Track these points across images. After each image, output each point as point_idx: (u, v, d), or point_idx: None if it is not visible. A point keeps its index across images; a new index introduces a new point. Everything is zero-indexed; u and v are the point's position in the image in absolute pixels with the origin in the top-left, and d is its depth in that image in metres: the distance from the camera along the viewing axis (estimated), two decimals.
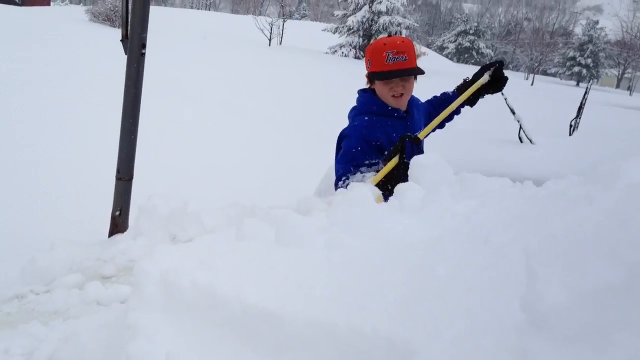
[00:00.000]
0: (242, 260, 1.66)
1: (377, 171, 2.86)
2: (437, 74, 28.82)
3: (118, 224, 4.39)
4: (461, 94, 3.28)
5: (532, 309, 0.95)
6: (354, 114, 3.12)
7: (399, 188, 2.30)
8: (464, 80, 3.44)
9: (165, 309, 1.58)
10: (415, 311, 1.27)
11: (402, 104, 3.04)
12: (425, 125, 3.16)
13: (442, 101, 3.42)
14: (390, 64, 2.87)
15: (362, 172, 2.88)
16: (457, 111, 3.37)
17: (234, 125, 9.49)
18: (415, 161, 2.64)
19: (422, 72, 3.00)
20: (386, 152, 2.87)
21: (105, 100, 8.11)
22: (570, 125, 6.09)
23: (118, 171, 4.36)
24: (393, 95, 2.97)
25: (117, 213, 4.38)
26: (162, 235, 3.29)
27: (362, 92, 3.15)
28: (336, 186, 2.93)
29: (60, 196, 5.37)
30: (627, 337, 0.87)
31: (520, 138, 4.81)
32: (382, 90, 2.99)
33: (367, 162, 2.90)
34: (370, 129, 2.96)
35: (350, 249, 1.70)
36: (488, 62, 3.35)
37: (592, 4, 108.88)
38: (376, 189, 2.67)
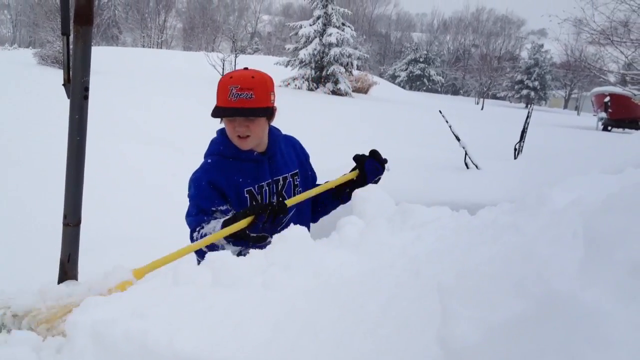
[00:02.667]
0: (177, 306, 1.64)
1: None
2: (390, 102, 29.26)
3: (67, 271, 4.29)
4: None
5: (447, 346, 0.96)
6: (204, 154, 2.84)
7: (340, 222, 2.32)
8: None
9: None
10: (346, 352, 1.27)
11: (248, 146, 2.68)
12: (300, 169, 2.94)
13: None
14: (232, 100, 2.54)
15: (217, 219, 2.59)
16: (343, 199, 2.98)
17: (185, 164, 9.43)
18: (358, 194, 2.66)
19: (267, 114, 2.66)
20: (240, 210, 2.50)
21: (51, 143, 7.99)
22: (515, 149, 6.23)
23: (65, 217, 4.28)
24: (238, 136, 2.64)
25: (67, 260, 4.30)
26: None
27: (219, 130, 2.84)
28: (192, 240, 2.62)
29: (6, 244, 5.24)
30: None
31: (466, 164, 4.90)
32: (227, 128, 2.68)
33: (218, 208, 2.63)
34: (212, 173, 2.69)
35: (287, 288, 1.70)
36: (360, 154, 2.97)
37: (536, 28, 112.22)
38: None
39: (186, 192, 2.81)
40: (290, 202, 2.61)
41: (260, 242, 2.45)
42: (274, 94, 2.70)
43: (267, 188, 2.76)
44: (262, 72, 2.70)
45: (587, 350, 0.82)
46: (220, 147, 2.75)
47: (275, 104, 2.75)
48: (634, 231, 0.88)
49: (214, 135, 2.87)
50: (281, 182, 2.82)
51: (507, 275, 0.96)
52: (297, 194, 2.84)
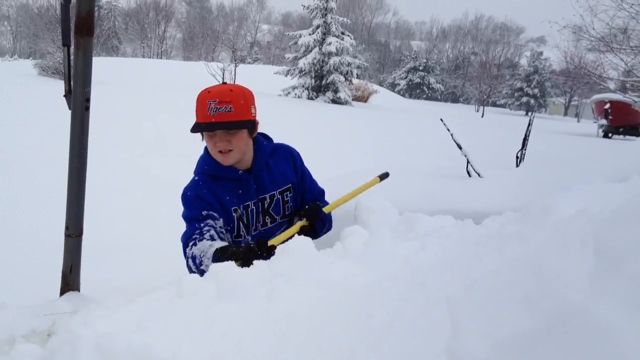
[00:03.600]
0: (181, 318, 1.62)
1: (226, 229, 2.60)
2: (390, 111, 29.27)
3: (69, 282, 4.28)
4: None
5: (456, 358, 0.95)
6: (194, 171, 2.81)
7: (344, 232, 2.31)
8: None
9: None
10: None
11: (231, 161, 2.61)
12: (292, 180, 2.86)
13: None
14: (211, 115, 2.46)
15: (212, 226, 2.56)
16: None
17: (185, 173, 9.42)
18: (362, 205, 2.66)
19: (248, 127, 2.58)
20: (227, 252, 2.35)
21: (52, 154, 7.99)
22: (517, 157, 6.21)
23: (67, 228, 4.27)
24: (220, 151, 2.56)
25: (68, 271, 4.28)
26: None
27: (205, 147, 2.76)
28: (185, 254, 2.58)
29: (9, 255, 5.22)
30: None
31: (468, 172, 4.88)
32: (208, 144, 2.61)
33: (209, 212, 2.58)
34: (200, 189, 2.64)
35: (291, 300, 1.68)
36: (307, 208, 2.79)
37: (536, 35, 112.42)
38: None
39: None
40: (273, 241, 2.46)
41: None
42: (254, 107, 2.64)
43: (253, 207, 2.71)
44: (241, 86, 2.65)
45: None
46: (205, 167, 2.70)
47: (257, 118, 2.68)
48: None
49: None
50: (268, 200, 2.75)
51: (515, 287, 0.95)
52: (287, 210, 2.81)
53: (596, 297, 0.85)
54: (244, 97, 2.55)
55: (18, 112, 12.81)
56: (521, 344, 0.88)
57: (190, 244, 2.54)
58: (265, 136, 2.87)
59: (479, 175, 4.77)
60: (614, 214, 0.95)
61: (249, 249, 2.32)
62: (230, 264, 1.90)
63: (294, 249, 2.00)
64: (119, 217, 6.61)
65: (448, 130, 5.05)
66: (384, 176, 3.17)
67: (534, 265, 0.96)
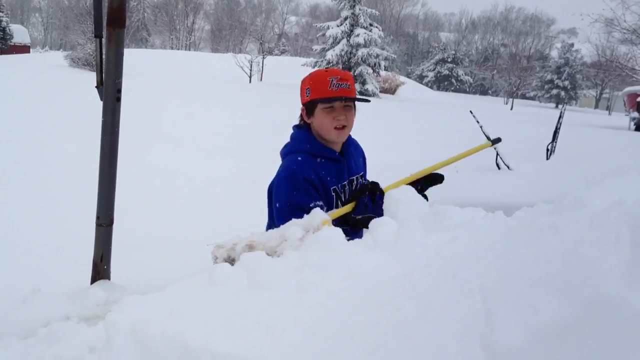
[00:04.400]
0: (214, 306, 1.65)
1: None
2: (418, 103, 29.10)
3: (100, 271, 4.34)
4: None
5: (491, 349, 0.95)
6: (286, 151, 2.85)
7: (373, 223, 2.31)
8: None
9: None
10: (382, 355, 1.26)
11: (344, 138, 2.78)
12: (364, 171, 3.00)
13: None
14: (334, 90, 2.64)
15: None
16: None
17: (215, 166, 9.48)
18: (390, 195, 2.65)
19: (367, 100, 2.86)
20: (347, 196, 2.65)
21: (84, 145, 8.10)
22: (547, 150, 6.16)
23: (98, 217, 4.34)
24: (335, 127, 2.68)
25: (99, 260, 4.35)
26: None
27: (296, 128, 2.89)
28: None
29: (40, 245, 5.32)
30: None
31: (497, 165, 4.85)
32: (324, 121, 2.70)
33: (315, 203, 2.60)
34: (305, 169, 2.67)
35: (321, 290, 1.69)
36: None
37: (567, 27, 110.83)
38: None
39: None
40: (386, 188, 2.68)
41: (366, 224, 2.45)
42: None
43: (348, 187, 2.83)
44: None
45: (636, 356, 0.80)
46: (307, 145, 2.77)
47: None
48: None
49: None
50: (355, 182, 2.88)
51: (551, 277, 0.95)
52: None
53: (633, 287, 0.85)
54: (353, 81, 2.77)
55: (50, 103, 13.00)
56: (557, 333, 0.88)
57: None
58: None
59: (508, 167, 4.74)
60: None
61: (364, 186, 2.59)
62: (262, 254, 1.92)
63: (324, 239, 2.01)
64: (147, 209, 6.68)
65: (477, 122, 5.02)
66: (496, 141, 3.22)
67: (570, 256, 0.96)
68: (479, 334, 1.02)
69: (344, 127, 2.70)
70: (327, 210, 2.61)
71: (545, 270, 0.98)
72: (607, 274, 0.89)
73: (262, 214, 3.09)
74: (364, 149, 3.12)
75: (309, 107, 2.75)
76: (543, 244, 1.38)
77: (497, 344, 0.93)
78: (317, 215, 2.32)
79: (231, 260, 2.23)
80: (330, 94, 2.65)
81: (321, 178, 2.70)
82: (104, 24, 4.31)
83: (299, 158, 2.72)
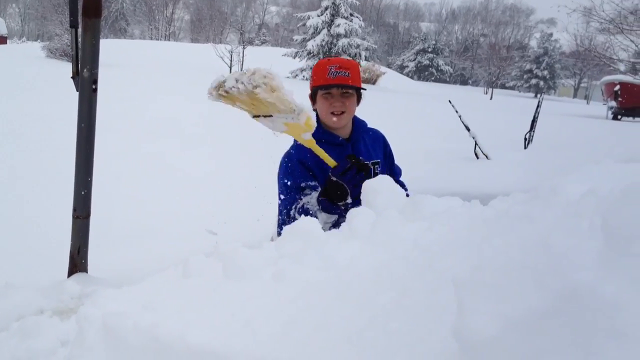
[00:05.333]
0: (188, 298, 1.63)
1: None
2: (398, 93, 29.13)
3: (77, 264, 4.30)
4: None
5: (463, 339, 0.95)
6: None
7: (351, 213, 2.30)
8: None
9: (108, 356, 1.54)
10: (360, 345, 1.26)
11: (342, 123, 2.89)
12: (381, 160, 3.03)
13: None
14: (331, 78, 2.79)
15: (307, 196, 2.76)
16: None
17: (196, 157, 9.43)
18: (368, 186, 2.65)
19: (363, 89, 2.95)
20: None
21: (61, 136, 8.00)
22: (525, 139, 6.19)
23: (74, 209, 4.29)
24: (332, 113, 2.82)
25: (76, 252, 4.30)
26: None
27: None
28: (282, 220, 2.80)
29: (17, 238, 5.25)
30: None
31: (476, 154, 4.87)
32: (322, 107, 2.87)
33: (307, 183, 2.78)
34: (303, 152, 2.82)
35: (298, 281, 1.68)
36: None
37: (545, 17, 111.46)
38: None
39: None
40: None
41: (336, 195, 2.64)
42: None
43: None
44: (350, 59, 3.01)
45: (607, 344, 0.80)
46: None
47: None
48: None
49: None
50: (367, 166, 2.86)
51: (524, 267, 0.94)
52: None
53: (604, 276, 0.85)
54: (358, 68, 2.93)
55: (27, 94, 12.83)
56: (529, 322, 0.88)
57: (295, 205, 2.77)
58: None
59: (486, 157, 4.76)
60: (623, 194, 0.94)
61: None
62: (237, 245, 1.91)
63: (300, 229, 2.00)
64: (126, 201, 6.63)
65: (456, 112, 5.03)
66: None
67: (543, 245, 0.96)
68: (452, 324, 1.01)
69: (342, 113, 2.83)
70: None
71: (517, 259, 0.98)
72: (579, 263, 0.89)
73: (243, 205, 3.10)
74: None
75: (312, 94, 2.93)
76: (517, 233, 1.38)
77: (469, 335, 0.92)
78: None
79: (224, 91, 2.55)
80: (328, 82, 2.79)
81: (318, 161, 2.79)
82: (80, 14, 4.25)
83: (299, 143, 2.82)
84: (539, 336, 0.87)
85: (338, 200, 2.65)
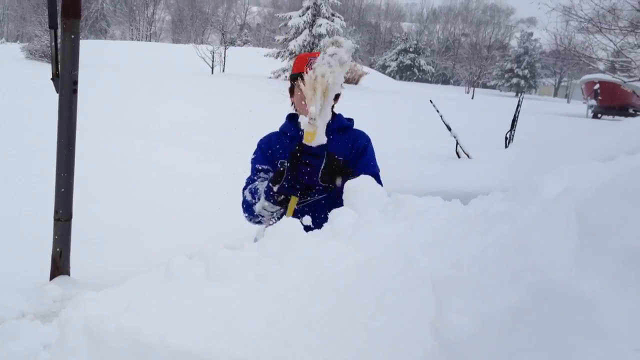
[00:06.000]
0: (170, 300, 1.63)
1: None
2: (380, 93, 29.21)
3: (59, 267, 4.27)
4: None
5: (441, 337, 0.96)
6: None
7: (332, 213, 2.31)
8: None
9: (90, 359, 1.54)
10: (339, 346, 1.26)
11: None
12: (348, 159, 2.98)
13: None
14: (308, 67, 2.77)
15: (261, 178, 2.96)
16: None
17: (178, 157, 9.40)
18: (349, 186, 2.66)
19: (342, 87, 2.92)
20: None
21: (42, 138, 7.93)
22: (506, 138, 6.24)
23: (56, 212, 4.26)
24: (304, 102, 2.79)
25: (58, 255, 4.27)
26: None
27: (288, 115, 3.16)
28: (242, 195, 2.99)
29: None
30: None
31: (457, 153, 4.90)
32: (298, 97, 2.91)
33: (261, 167, 2.98)
34: (266, 140, 3.05)
35: (280, 281, 1.69)
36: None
37: (526, 16, 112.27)
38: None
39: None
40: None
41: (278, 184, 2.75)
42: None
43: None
44: None
45: (583, 341, 0.81)
46: (282, 125, 3.08)
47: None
48: (628, 219, 0.88)
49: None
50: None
51: (501, 265, 0.96)
52: None
53: (580, 273, 0.86)
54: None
55: (5, 96, 12.71)
56: (506, 320, 0.89)
57: (249, 185, 2.98)
58: (349, 120, 3.13)
59: (468, 156, 4.79)
60: (598, 192, 0.96)
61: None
62: (220, 246, 1.91)
63: (282, 230, 2.00)
64: (109, 202, 6.59)
65: (437, 111, 5.06)
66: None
67: (520, 243, 0.97)
68: (431, 322, 1.02)
69: None
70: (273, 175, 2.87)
71: (495, 257, 0.99)
72: (555, 261, 0.90)
73: (226, 203, 3.14)
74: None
75: (291, 87, 3.00)
76: (496, 231, 1.40)
77: (447, 333, 0.93)
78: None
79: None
80: (303, 70, 2.78)
81: (272, 150, 3.00)
82: (59, 14, 4.22)
83: (272, 132, 3.10)
84: (516, 334, 0.88)
85: (274, 183, 2.76)
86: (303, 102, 2.81)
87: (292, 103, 3.05)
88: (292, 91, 3.01)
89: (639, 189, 0.88)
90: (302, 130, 2.77)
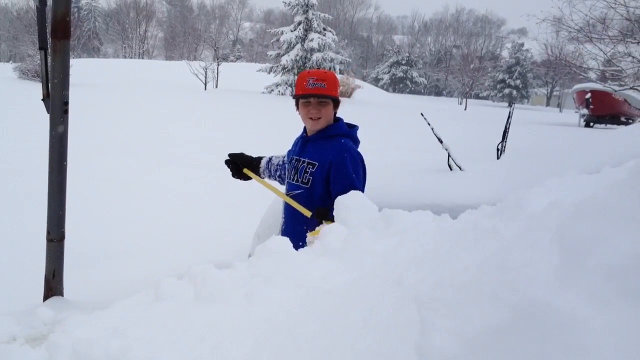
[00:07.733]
0: (158, 323, 1.62)
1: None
2: (373, 106, 29.28)
3: (53, 287, 4.24)
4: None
5: (425, 358, 0.96)
6: None
7: (324, 230, 2.31)
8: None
9: None
10: None
11: (317, 127, 3.30)
12: (320, 165, 3.27)
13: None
14: (309, 88, 3.20)
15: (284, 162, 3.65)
16: None
17: (171, 176, 9.38)
18: (340, 202, 2.66)
19: (337, 100, 3.32)
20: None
21: (34, 158, 7.92)
22: (498, 149, 6.25)
23: (48, 232, 4.24)
24: (310, 118, 3.26)
25: (51, 276, 4.24)
26: None
27: None
28: None
29: None
30: None
31: (449, 166, 4.90)
32: (302, 112, 3.31)
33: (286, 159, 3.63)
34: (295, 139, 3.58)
35: (269, 301, 1.68)
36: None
37: (516, 27, 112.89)
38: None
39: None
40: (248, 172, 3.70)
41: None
42: (339, 90, 3.40)
43: (294, 161, 3.41)
44: (329, 71, 3.48)
45: (564, 358, 0.81)
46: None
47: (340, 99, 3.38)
48: (606, 236, 0.88)
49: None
50: (301, 162, 3.37)
51: (482, 284, 0.96)
52: (305, 178, 3.33)
53: (560, 291, 0.86)
54: (334, 80, 3.32)
55: None
56: (488, 340, 0.89)
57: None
58: (350, 126, 3.45)
59: (460, 168, 4.79)
60: (577, 209, 0.96)
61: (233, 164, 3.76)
62: (209, 266, 1.91)
63: (272, 249, 2.00)
64: (103, 222, 6.56)
65: (429, 124, 5.06)
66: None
67: (501, 260, 0.97)
68: (414, 342, 1.02)
69: (319, 118, 3.25)
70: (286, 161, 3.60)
71: (476, 276, 0.99)
72: (535, 279, 0.91)
73: (219, 221, 3.12)
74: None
75: (295, 102, 3.37)
76: (481, 248, 1.39)
77: (431, 353, 0.93)
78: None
79: None
80: (306, 92, 3.22)
81: (291, 147, 3.57)
82: (49, 35, 4.22)
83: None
84: (497, 353, 0.88)
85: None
86: (309, 118, 3.26)
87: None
88: (297, 106, 3.37)
89: (615, 206, 0.88)
90: (307, 135, 3.39)
